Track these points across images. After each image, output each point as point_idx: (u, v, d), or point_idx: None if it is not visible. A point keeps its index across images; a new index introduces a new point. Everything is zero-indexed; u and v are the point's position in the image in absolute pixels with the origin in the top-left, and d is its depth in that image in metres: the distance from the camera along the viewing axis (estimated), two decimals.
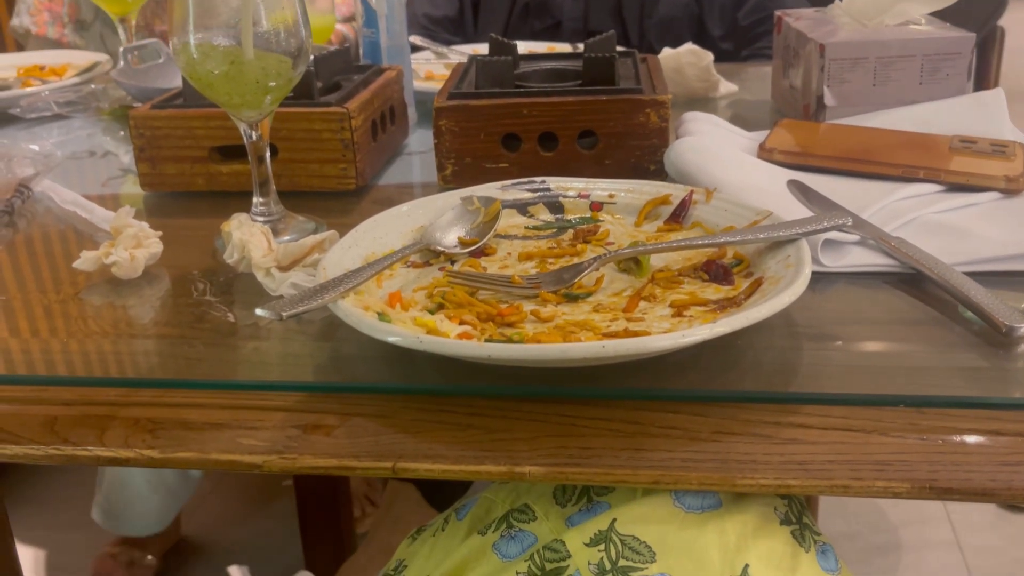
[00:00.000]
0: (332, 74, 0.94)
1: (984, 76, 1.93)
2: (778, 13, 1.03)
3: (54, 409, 0.54)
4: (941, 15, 0.93)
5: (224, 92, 0.69)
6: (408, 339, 0.50)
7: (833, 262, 0.64)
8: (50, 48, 1.65)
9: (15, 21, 1.70)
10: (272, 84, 0.69)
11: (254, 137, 0.73)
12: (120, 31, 1.27)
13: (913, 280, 0.62)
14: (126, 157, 1.01)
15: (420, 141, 1.03)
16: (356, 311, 0.53)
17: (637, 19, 1.52)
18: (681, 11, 1.54)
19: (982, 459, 0.46)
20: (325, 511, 1.53)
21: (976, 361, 0.53)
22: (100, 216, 0.79)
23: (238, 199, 0.80)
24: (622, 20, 1.52)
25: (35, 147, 0.91)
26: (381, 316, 0.54)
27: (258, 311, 0.52)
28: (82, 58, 1.37)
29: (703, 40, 1.58)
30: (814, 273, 0.62)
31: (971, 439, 0.48)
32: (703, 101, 1.11)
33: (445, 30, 1.63)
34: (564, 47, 1.36)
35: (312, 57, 0.93)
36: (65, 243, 0.79)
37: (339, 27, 1.34)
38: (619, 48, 1.06)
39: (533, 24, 1.56)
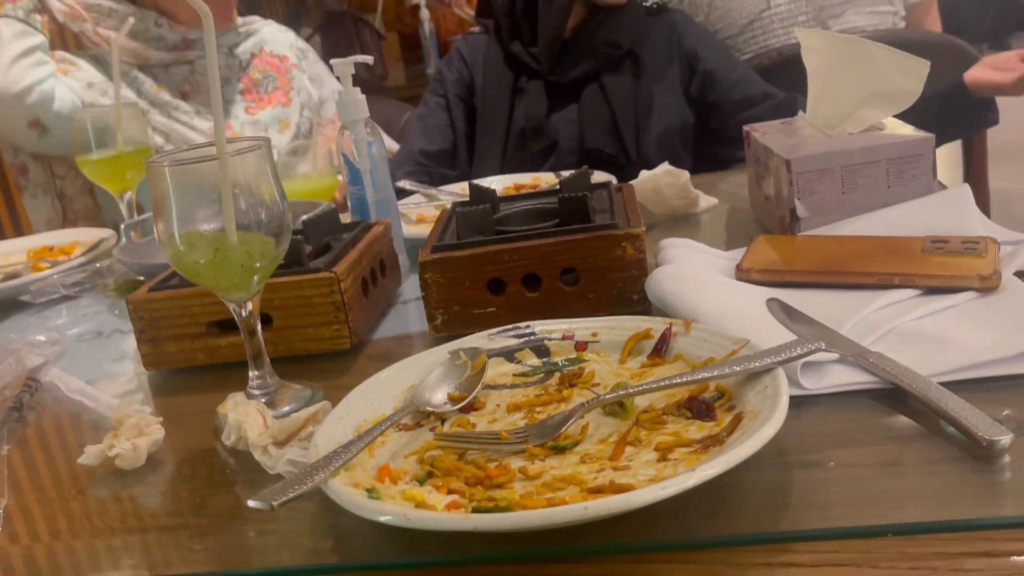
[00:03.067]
0: (321, 236, 0.97)
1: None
2: (746, 128, 1.06)
3: None
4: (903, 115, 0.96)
5: (212, 278, 0.72)
6: (397, 518, 0.51)
7: (814, 384, 0.64)
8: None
9: None
10: (258, 265, 0.72)
11: (244, 314, 0.75)
12: (122, 207, 1.32)
13: (894, 395, 0.63)
14: (132, 334, 1.04)
15: (415, 287, 1.05)
16: (346, 490, 0.54)
17: (633, 136, 1.56)
18: (675, 122, 1.59)
19: None
20: None
21: (962, 478, 0.54)
22: (105, 403, 0.82)
23: (239, 369, 0.82)
24: (619, 137, 1.56)
25: (42, 337, 0.94)
26: (371, 493, 0.55)
27: (250, 503, 0.53)
28: (88, 235, 1.42)
29: (699, 149, 1.63)
30: (797, 396, 0.63)
31: (964, 564, 0.48)
32: (684, 218, 1.14)
33: (440, 164, 1.68)
34: (549, 177, 1.40)
35: (301, 221, 0.97)
36: (72, 435, 0.81)
37: (341, 180, 1.39)
38: (598, 178, 1.09)
39: (531, 147, 1.60)
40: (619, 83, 1.58)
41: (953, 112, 1.28)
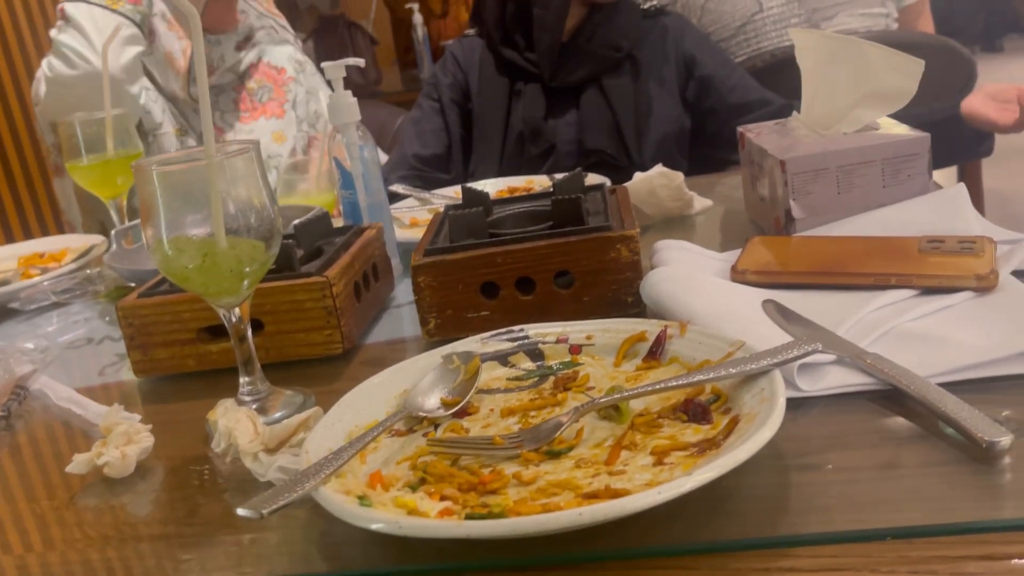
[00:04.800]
0: (313, 240, 0.96)
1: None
2: (740, 129, 1.06)
3: None
4: (901, 114, 0.95)
5: (201, 283, 0.71)
6: (389, 525, 0.50)
7: (811, 386, 0.64)
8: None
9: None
10: (247, 270, 0.71)
11: (234, 319, 0.74)
12: (112, 213, 1.31)
13: (893, 396, 0.62)
14: (121, 342, 1.03)
15: (408, 292, 1.03)
16: (337, 498, 0.53)
17: (635, 138, 1.55)
18: (673, 127, 1.58)
19: None
20: None
21: (961, 480, 0.53)
22: (94, 411, 0.81)
23: (230, 375, 0.82)
24: (621, 138, 1.55)
25: (30, 345, 0.93)
26: (362, 500, 0.54)
27: (240, 511, 0.52)
28: (79, 241, 1.41)
29: (693, 152, 1.62)
30: (794, 398, 0.62)
31: (964, 567, 0.47)
32: (679, 220, 1.13)
33: (435, 168, 1.67)
34: (543, 180, 1.39)
35: (292, 225, 0.97)
36: (60, 443, 0.80)
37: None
38: (592, 180, 1.09)
39: (529, 150, 1.59)
40: (619, 85, 1.57)
41: (948, 140, 1.25)
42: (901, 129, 0.93)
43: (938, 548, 0.48)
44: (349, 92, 1.05)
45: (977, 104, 1.16)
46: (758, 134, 1.01)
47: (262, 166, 0.72)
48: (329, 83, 1.05)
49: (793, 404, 0.61)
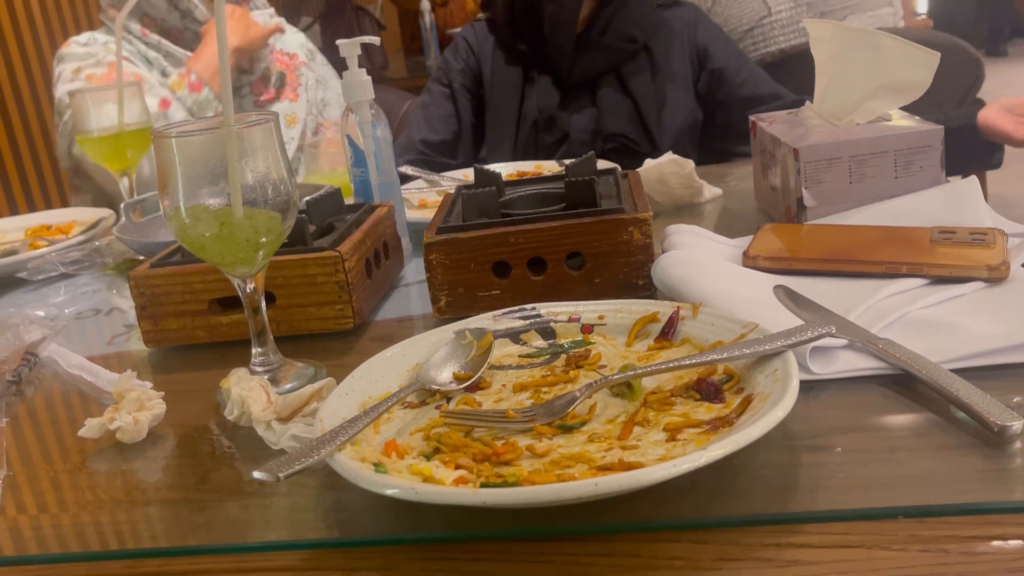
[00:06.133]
0: (325, 216, 0.96)
1: None
2: (752, 118, 1.06)
3: None
4: (913, 106, 0.96)
5: (216, 252, 0.71)
6: (405, 491, 0.51)
7: (823, 369, 0.64)
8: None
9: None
10: (263, 240, 0.71)
11: (248, 290, 0.75)
12: (121, 187, 1.31)
13: (904, 381, 0.63)
14: (131, 312, 1.03)
15: (417, 271, 1.05)
16: (353, 464, 0.54)
17: (656, 123, 1.54)
18: (687, 119, 1.58)
19: (987, 568, 0.46)
20: None
21: (972, 463, 0.53)
22: (105, 379, 0.81)
23: (240, 348, 0.82)
24: (642, 122, 1.54)
25: (41, 313, 0.93)
26: (377, 467, 0.54)
27: (255, 474, 0.53)
28: (87, 214, 1.41)
29: (702, 143, 1.62)
30: (806, 381, 0.63)
31: (974, 547, 0.47)
32: (688, 208, 1.13)
33: (442, 154, 1.66)
34: (552, 165, 1.39)
35: (304, 201, 0.97)
36: (71, 409, 0.80)
37: None
38: (604, 165, 1.09)
39: (543, 139, 1.59)
40: (637, 76, 1.55)
41: (961, 149, 1.24)
42: (913, 121, 0.93)
43: (949, 528, 0.49)
44: (363, 71, 1.05)
45: (994, 116, 1.16)
46: (771, 123, 1.01)
47: (280, 137, 0.72)
48: (339, 64, 1.05)
49: (804, 387, 0.61)
